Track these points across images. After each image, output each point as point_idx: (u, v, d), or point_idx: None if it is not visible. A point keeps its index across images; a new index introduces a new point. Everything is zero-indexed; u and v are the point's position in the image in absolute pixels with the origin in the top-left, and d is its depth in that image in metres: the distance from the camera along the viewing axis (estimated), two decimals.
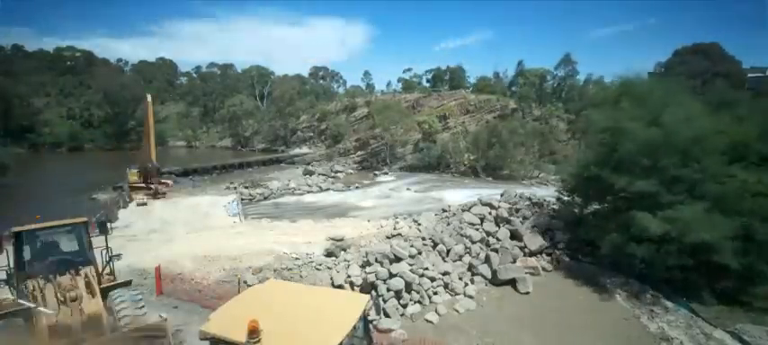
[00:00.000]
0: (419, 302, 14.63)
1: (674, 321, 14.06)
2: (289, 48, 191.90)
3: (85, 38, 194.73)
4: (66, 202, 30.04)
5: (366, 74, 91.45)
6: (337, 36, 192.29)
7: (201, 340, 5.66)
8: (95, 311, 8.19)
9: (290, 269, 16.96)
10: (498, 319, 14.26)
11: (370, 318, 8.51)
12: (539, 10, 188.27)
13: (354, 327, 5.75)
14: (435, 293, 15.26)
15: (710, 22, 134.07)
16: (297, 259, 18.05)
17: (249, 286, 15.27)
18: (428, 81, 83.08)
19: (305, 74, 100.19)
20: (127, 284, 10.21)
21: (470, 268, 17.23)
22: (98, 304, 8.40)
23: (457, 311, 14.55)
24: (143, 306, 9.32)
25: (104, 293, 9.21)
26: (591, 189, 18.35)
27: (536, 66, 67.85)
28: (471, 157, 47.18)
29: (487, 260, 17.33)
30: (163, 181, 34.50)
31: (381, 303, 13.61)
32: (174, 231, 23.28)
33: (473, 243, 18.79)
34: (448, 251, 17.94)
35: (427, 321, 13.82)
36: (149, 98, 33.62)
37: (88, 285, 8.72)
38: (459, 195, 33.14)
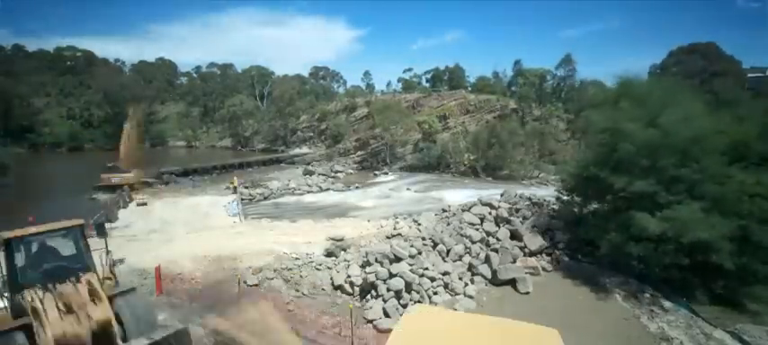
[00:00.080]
0: (419, 302, 14.61)
1: (673, 321, 14.06)
2: (278, 48, 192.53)
3: (85, 38, 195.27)
4: (65, 202, 30.06)
5: (366, 74, 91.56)
6: (320, 35, 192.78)
7: None
8: (104, 318, 7.80)
9: (290, 269, 16.97)
10: None
11: None
12: (519, 9, 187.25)
13: None
14: (435, 293, 15.25)
15: (710, 21, 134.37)
16: (297, 259, 18.05)
17: (249, 286, 15.40)
18: (428, 81, 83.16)
19: (305, 74, 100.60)
20: (131, 291, 9.36)
21: (470, 268, 17.21)
22: (106, 310, 7.95)
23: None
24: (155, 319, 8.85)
25: (109, 301, 8.58)
26: (590, 189, 18.36)
27: (535, 66, 67.91)
28: (471, 157, 47.18)
29: (487, 260, 17.32)
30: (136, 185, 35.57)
31: None
32: (173, 231, 23.32)
33: (473, 243, 18.78)
34: (448, 251, 17.93)
35: None
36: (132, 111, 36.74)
37: (92, 291, 8.22)
38: (459, 195, 33.10)
